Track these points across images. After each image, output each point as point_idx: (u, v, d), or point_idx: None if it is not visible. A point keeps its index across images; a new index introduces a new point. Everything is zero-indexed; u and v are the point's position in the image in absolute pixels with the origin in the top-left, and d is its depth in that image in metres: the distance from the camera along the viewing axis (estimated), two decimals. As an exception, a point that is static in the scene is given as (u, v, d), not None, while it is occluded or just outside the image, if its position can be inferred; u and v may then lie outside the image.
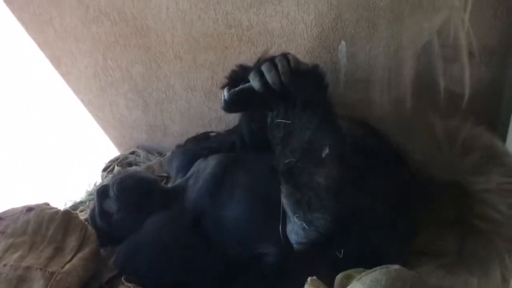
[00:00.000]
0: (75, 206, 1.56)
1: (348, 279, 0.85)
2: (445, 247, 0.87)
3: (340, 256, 0.87)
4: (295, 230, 0.93)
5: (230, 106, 0.97)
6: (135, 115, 1.79)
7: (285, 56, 0.92)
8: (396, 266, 0.80)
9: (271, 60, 0.92)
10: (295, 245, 0.95)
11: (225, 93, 0.96)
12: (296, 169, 0.88)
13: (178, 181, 1.30)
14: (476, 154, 0.86)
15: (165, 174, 1.60)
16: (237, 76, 1.01)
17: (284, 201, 0.93)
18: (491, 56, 1.25)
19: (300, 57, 1.38)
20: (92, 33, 1.60)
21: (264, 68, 0.91)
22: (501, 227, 0.79)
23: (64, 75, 1.76)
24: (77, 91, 1.80)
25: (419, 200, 0.92)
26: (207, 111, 1.67)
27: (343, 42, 1.34)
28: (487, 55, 1.25)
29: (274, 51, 1.40)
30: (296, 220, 0.91)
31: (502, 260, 0.76)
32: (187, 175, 1.27)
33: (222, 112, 1.58)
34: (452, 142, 0.90)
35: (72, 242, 1.14)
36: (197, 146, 1.42)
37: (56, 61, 1.73)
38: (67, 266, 1.07)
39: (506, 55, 1.23)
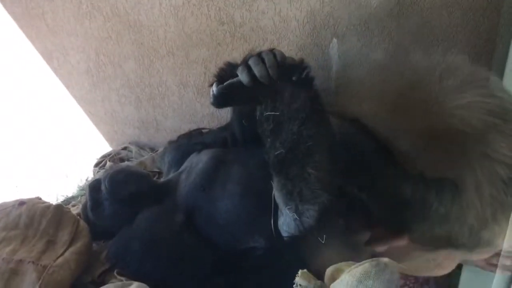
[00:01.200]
0: (67, 201, 1.56)
1: (338, 272, 0.86)
2: (425, 244, 0.88)
3: (323, 242, 0.89)
4: (287, 222, 0.94)
5: (219, 100, 0.98)
6: (128, 111, 1.79)
7: (271, 50, 0.94)
8: (385, 259, 0.82)
9: (258, 55, 0.94)
10: (286, 238, 0.96)
11: (214, 88, 0.97)
12: (287, 161, 0.89)
13: (171, 175, 1.31)
14: (456, 78, 0.86)
15: (157, 170, 1.61)
16: (225, 73, 1.02)
17: (275, 193, 0.95)
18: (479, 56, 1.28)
19: (292, 54, 1.42)
20: (85, 28, 1.60)
21: (251, 62, 0.92)
22: (472, 138, 0.79)
23: (56, 70, 1.76)
24: (69, 87, 1.80)
25: (408, 195, 0.93)
26: (200, 107, 1.68)
27: (334, 40, 1.36)
28: (475, 55, 1.28)
29: (267, 47, 1.42)
30: (287, 212, 0.92)
31: (474, 172, 0.77)
32: (180, 170, 1.28)
33: (215, 109, 1.59)
34: (432, 73, 0.91)
35: (64, 236, 1.14)
36: (190, 142, 1.42)
37: (48, 56, 1.73)
38: (60, 260, 1.07)
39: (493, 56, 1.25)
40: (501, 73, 1.07)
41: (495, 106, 0.81)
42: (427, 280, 1.22)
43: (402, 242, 0.88)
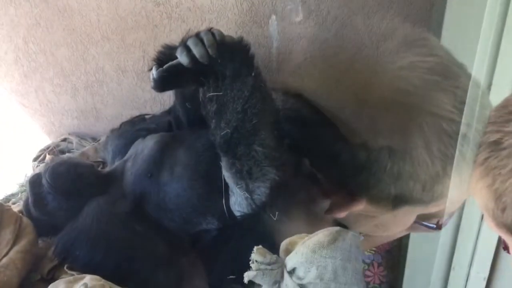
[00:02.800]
0: (7, 199, 1.48)
1: (293, 244, 0.88)
2: (386, 176, 0.91)
3: (275, 219, 0.90)
4: (238, 201, 0.95)
5: (160, 84, 0.96)
6: (64, 101, 1.72)
7: (209, 30, 0.93)
8: (337, 228, 0.84)
9: (197, 35, 0.92)
10: (239, 217, 0.97)
11: (153, 72, 0.95)
12: (233, 140, 0.89)
13: (115, 164, 1.28)
14: (394, 40, 0.89)
15: (101, 160, 1.56)
16: (164, 56, 1.00)
17: (225, 173, 0.95)
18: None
19: (231, 32, 1.40)
20: (10, 16, 1.51)
21: (190, 43, 0.91)
22: (415, 97, 0.83)
23: (-18, 62, 1.66)
24: (-2, 79, 1.71)
25: (358, 165, 0.96)
26: (141, 92, 1.64)
27: (273, 16, 1.36)
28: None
29: (205, 27, 1.40)
30: (238, 191, 0.92)
31: (421, 130, 0.81)
32: (125, 158, 1.25)
33: (156, 93, 1.56)
34: (372, 32, 0.93)
35: (7, 235, 1.09)
36: (133, 128, 1.39)
37: (-29, 48, 1.62)
38: (4, 260, 1.03)
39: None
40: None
41: (435, 64, 0.84)
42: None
43: (360, 206, 0.91)
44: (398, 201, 0.88)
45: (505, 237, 0.70)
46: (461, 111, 0.78)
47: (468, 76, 0.84)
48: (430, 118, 0.81)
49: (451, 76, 0.83)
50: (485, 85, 0.83)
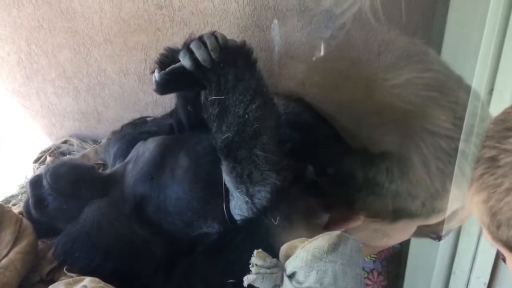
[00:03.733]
0: (7, 200, 1.48)
1: (293, 249, 0.88)
2: (384, 194, 0.91)
3: (275, 223, 0.90)
4: (239, 205, 0.95)
5: (162, 87, 0.97)
6: (66, 103, 1.72)
7: (212, 33, 0.94)
8: (338, 232, 0.84)
9: (200, 39, 0.93)
10: (239, 221, 0.97)
11: (156, 75, 0.95)
12: (234, 144, 0.89)
13: (116, 166, 1.27)
14: (393, 53, 0.89)
15: (102, 162, 1.56)
16: (167, 59, 1.01)
17: (225, 177, 0.95)
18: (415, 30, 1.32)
19: (233, 36, 1.40)
20: (13, 18, 1.51)
21: (193, 46, 0.91)
22: (412, 115, 0.82)
23: (-16, 63, 1.66)
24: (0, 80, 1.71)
25: (356, 171, 0.96)
26: (142, 95, 1.64)
27: (275, 21, 1.36)
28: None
29: (208, 31, 1.40)
30: (238, 195, 0.92)
31: (419, 148, 0.81)
32: (126, 160, 1.25)
33: (158, 96, 1.56)
34: (370, 45, 0.93)
35: (7, 236, 1.09)
36: (134, 131, 1.39)
37: (-26, 49, 1.63)
38: (4, 261, 1.03)
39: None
40: (439, 46, 1.11)
41: (431, 80, 0.84)
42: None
43: (358, 223, 0.91)
44: (397, 215, 0.88)
45: (501, 250, 0.70)
46: (459, 127, 0.78)
47: (467, 89, 0.84)
48: (427, 136, 0.80)
49: (449, 92, 0.83)
50: (486, 90, 0.83)
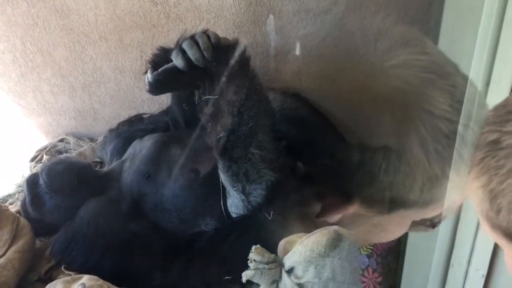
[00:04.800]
0: (4, 199, 1.48)
1: (291, 244, 0.88)
2: (378, 208, 0.91)
3: (270, 218, 0.90)
4: (235, 203, 0.95)
5: (155, 88, 0.96)
6: (62, 101, 1.71)
7: (204, 32, 0.93)
8: (335, 227, 0.84)
9: (192, 38, 0.92)
10: (236, 219, 0.97)
11: (149, 75, 0.95)
12: (230, 143, 0.89)
13: (113, 164, 1.27)
14: (389, 39, 0.89)
15: (99, 160, 1.56)
16: (160, 59, 1.00)
17: (221, 175, 0.95)
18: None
19: (229, 32, 1.40)
20: (7, 16, 1.50)
21: (185, 45, 0.90)
22: (411, 96, 0.82)
23: (-21, 62, 1.65)
24: (-5, 79, 1.70)
25: (353, 165, 0.96)
26: (138, 92, 1.63)
27: (271, 16, 1.36)
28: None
29: (203, 27, 1.40)
30: (235, 193, 0.92)
31: (417, 129, 0.80)
32: (123, 158, 1.24)
33: (154, 93, 1.55)
34: (365, 32, 0.93)
35: (4, 235, 1.09)
36: (131, 129, 1.39)
37: (-32, 48, 1.62)
38: (1, 260, 1.03)
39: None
40: (435, 40, 1.11)
41: (429, 63, 0.84)
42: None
43: (352, 209, 0.90)
44: (393, 204, 0.87)
45: (499, 240, 0.68)
46: (458, 111, 0.77)
47: (463, 76, 0.83)
48: (425, 116, 0.80)
49: (446, 75, 0.83)
50: (483, 83, 0.83)
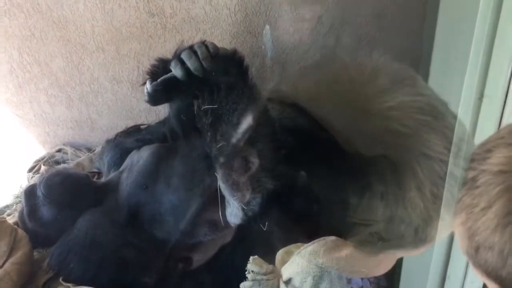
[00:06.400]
0: (2, 210, 1.47)
1: (288, 254, 0.88)
2: (375, 217, 0.91)
3: (264, 229, 0.90)
4: (234, 213, 0.95)
5: (154, 98, 0.97)
6: (59, 111, 1.72)
7: (203, 43, 0.94)
8: (332, 237, 0.85)
9: (190, 48, 0.93)
10: (234, 228, 0.97)
11: (147, 86, 0.95)
12: (229, 152, 0.89)
13: (111, 175, 1.27)
14: (384, 78, 0.89)
15: (96, 170, 1.56)
16: (158, 69, 1.01)
17: (221, 185, 0.95)
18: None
19: (226, 42, 1.41)
20: (5, 27, 1.51)
21: (184, 56, 0.91)
22: (409, 139, 0.82)
23: (-24, 73, 1.66)
24: (-8, 90, 1.70)
25: (350, 175, 0.96)
26: (136, 102, 1.64)
27: (267, 26, 1.37)
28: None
29: (200, 38, 1.41)
30: (234, 202, 0.92)
31: (415, 172, 0.80)
32: (120, 169, 1.24)
33: (151, 103, 1.55)
34: (361, 70, 0.93)
35: (2, 247, 1.09)
36: (128, 139, 1.39)
37: (-34, 59, 1.62)
38: (-1, 272, 1.02)
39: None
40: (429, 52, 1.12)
41: (424, 104, 0.84)
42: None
43: (344, 244, 0.89)
44: (386, 245, 0.87)
45: (483, 278, 0.67)
46: (450, 152, 0.78)
47: (453, 115, 0.84)
48: (422, 159, 0.80)
49: (440, 116, 0.83)
50: (477, 96, 0.83)
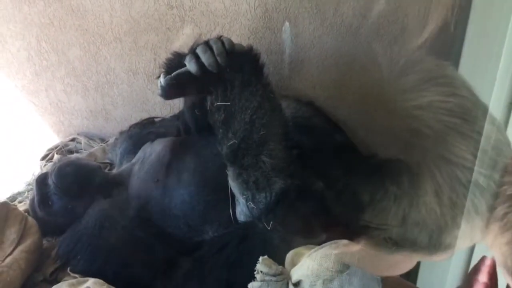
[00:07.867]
0: (13, 197, 1.48)
1: (298, 256, 0.86)
2: (390, 221, 0.89)
3: (269, 228, 0.89)
4: (244, 211, 0.93)
5: (167, 92, 0.95)
6: (74, 101, 1.72)
7: (219, 38, 0.92)
8: (344, 241, 0.83)
9: (206, 43, 0.91)
10: (242, 227, 0.96)
11: (161, 79, 0.94)
12: (240, 151, 0.88)
13: (123, 167, 1.27)
14: (415, 74, 0.86)
15: (109, 161, 1.56)
16: (173, 63, 1.00)
17: (231, 183, 0.94)
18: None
19: (244, 38, 1.40)
20: (24, 14, 1.51)
21: (199, 50, 0.90)
22: (431, 142, 0.79)
23: (-6, 59, 1.66)
24: (9, 76, 1.71)
25: (365, 176, 0.94)
26: (151, 94, 1.63)
27: (287, 23, 1.35)
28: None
29: (218, 32, 1.39)
30: (244, 201, 0.91)
31: (433, 176, 0.77)
32: (132, 161, 1.24)
33: (166, 96, 1.55)
34: (392, 64, 0.91)
35: (11, 234, 1.09)
36: (142, 131, 1.39)
37: (-15, 45, 1.63)
38: (8, 260, 1.02)
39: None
40: (458, 58, 1.08)
41: (455, 106, 0.80)
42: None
43: (356, 247, 0.87)
44: (399, 245, 0.84)
45: None
46: (479, 159, 0.74)
47: (492, 120, 0.79)
48: (443, 164, 0.77)
49: (472, 120, 0.77)
50: (506, 102, 0.79)
